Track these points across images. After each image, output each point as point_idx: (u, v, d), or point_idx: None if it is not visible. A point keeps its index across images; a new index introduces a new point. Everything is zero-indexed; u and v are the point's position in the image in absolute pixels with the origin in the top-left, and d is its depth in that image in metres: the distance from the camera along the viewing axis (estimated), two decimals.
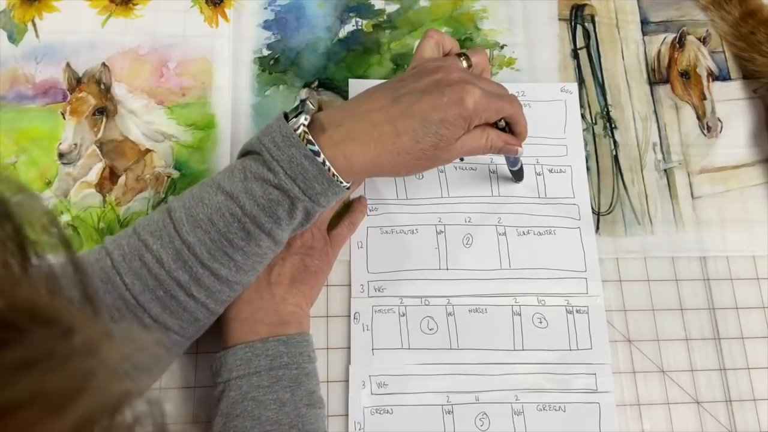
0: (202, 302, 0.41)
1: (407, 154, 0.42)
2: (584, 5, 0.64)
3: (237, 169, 0.41)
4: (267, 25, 0.60)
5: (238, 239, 0.41)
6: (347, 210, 0.53)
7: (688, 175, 0.58)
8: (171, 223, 0.40)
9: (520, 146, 0.47)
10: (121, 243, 0.41)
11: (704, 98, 0.61)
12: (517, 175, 0.55)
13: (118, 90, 0.57)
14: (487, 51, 0.48)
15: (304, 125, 0.41)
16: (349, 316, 0.51)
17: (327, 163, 0.40)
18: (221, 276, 0.41)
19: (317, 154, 0.40)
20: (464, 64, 0.46)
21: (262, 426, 0.41)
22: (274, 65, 0.59)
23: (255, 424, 0.41)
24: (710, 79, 0.62)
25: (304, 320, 0.48)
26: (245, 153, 0.43)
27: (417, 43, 0.47)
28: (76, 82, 0.56)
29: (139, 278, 0.40)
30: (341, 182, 0.41)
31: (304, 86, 0.58)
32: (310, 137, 0.40)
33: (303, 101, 0.42)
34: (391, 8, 0.62)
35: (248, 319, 0.45)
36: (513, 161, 0.52)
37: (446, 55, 0.48)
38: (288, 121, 0.41)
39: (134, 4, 0.59)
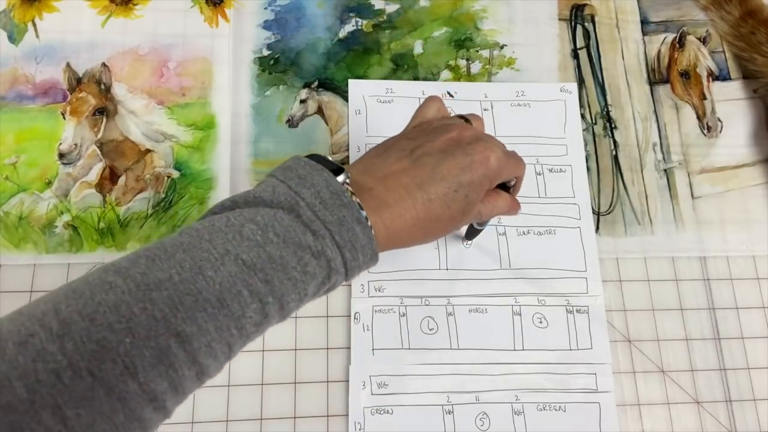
0: (171, 408, 0.29)
1: (438, 221, 0.37)
2: (584, 5, 0.64)
3: (248, 227, 0.31)
4: (267, 25, 0.60)
5: (251, 325, 0.30)
6: None
7: (688, 175, 0.58)
8: (155, 307, 0.28)
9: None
10: (40, 344, 0.26)
11: (704, 98, 0.61)
12: (474, 235, 0.52)
13: (118, 90, 0.57)
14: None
15: (348, 184, 0.34)
16: (349, 316, 0.51)
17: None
18: (209, 373, 0.30)
19: (366, 219, 0.34)
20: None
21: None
22: (274, 65, 0.59)
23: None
24: (710, 79, 0.62)
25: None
26: (243, 203, 0.33)
27: (417, 107, 0.44)
28: (76, 82, 0.56)
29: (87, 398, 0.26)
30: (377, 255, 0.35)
31: (304, 86, 0.58)
32: (359, 200, 0.34)
33: (324, 159, 0.35)
34: (391, 8, 0.62)
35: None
36: (483, 222, 0.49)
37: None
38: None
39: (134, 4, 0.60)
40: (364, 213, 0.33)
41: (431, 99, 0.44)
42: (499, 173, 0.39)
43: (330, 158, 0.36)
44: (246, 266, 0.30)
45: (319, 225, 0.32)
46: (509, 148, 0.56)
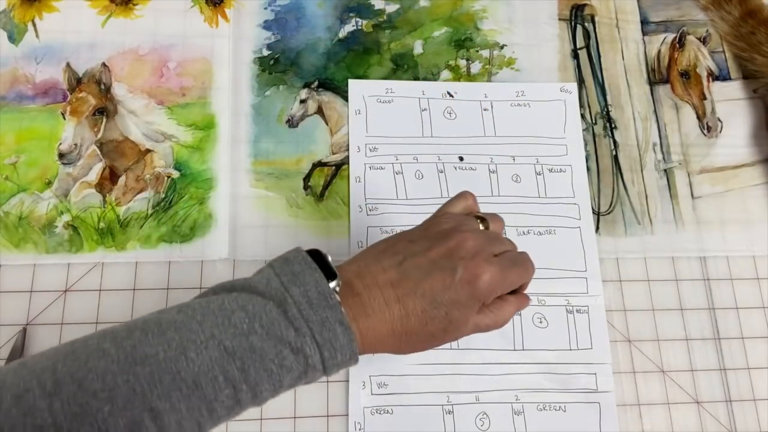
0: None
1: (414, 335, 0.37)
2: (584, 5, 0.64)
3: (237, 314, 0.33)
4: (267, 25, 0.60)
5: (222, 409, 0.32)
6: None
7: (688, 175, 0.58)
8: (136, 381, 0.30)
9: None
10: (33, 400, 0.29)
11: (704, 98, 0.61)
12: None
13: (118, 90, 0.57)
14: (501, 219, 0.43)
15: (337, 291, 0.35)
16: None
17: None
18: None
19: (348, 322, 0.34)
20: (481, 226, 0.41)
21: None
22: (274, 65, 0.59)
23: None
24: (710, 79, 0.62)
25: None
26: (240, 288, 0.35)
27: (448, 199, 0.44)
28: (76, 82, 0.56)
29: None
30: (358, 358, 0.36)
31: (304, 86, 0.58)
32: (343, 305, 0.35)
33: (322, 257, 0.36)
34: (391, 8, 0.62)
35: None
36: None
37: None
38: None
39: (134, 4, 0.60)
40: (346, 316, 0.34)
41: (462, 195, 0.43)
42: (490, 292, 0.38)
43: (329, 258, 0.36)
44: (227, 353, 0.32)
45: (302, 323, 0.33)
46: (509, 149, 0.57)
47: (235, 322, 0.33)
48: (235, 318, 0.33)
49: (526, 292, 0.43)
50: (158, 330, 0.32)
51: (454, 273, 0.37)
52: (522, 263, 0.40)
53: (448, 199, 0.44)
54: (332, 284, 0.35)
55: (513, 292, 0.41)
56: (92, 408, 0.29)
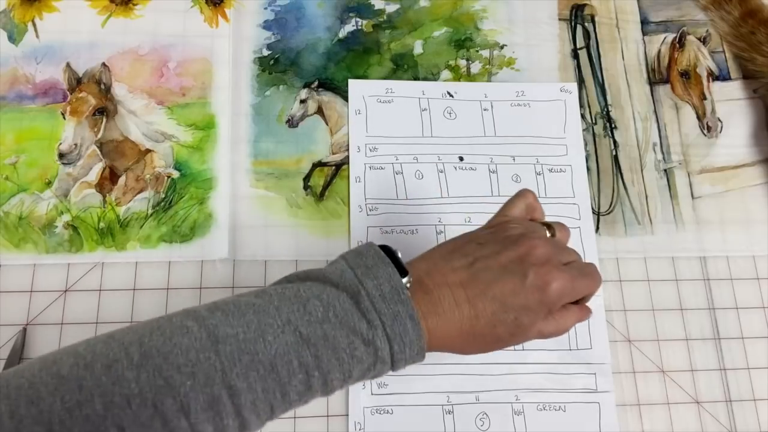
0: None
1: (481, 337, 0.37)
2: (584, 5, 0.64)
3: (312, 302, 0.34)
4: (267, 25, 0.60)
5: (294, 393, 0.33)
6: None
7: (688, 175, 0.58)
8: (217, 358, 0.31)
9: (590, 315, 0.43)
10: (121, 370, 0.30)
11: (704, 98, 0.61)
12: None
13: (118, 90, 0.57)
14: (569, 229, 0.43)
15: (408, 287, 0.36)
16: None
17: None
18: (250, 428, 0.33)
19: (418, 318, 0.35)
20: (548, 234, 0.41)
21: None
22: (274, 65, 0.59)
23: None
24: (710, 79, 0.62)
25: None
26: (314, 278, 0.36)
27: (509, 199, 0.43)
28: (76, 82, 0.56)
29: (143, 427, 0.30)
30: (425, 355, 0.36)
31: (304, 86, 0.58)
32: (414, 301, 0.35)
33: (393, 253, 0.37)
34: (391, 8, 0.62)
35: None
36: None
37: (531, 220, 0.43)
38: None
39: (134, 4, 0.60)
40: (417, 312, 0.35)
41: (521, 194, 0.43)
42: (558, 300, 0.38)
43: (399, 255, 0.37)
44: (302, 339, 0.33)
45: (374, 315, 0.34)
46: (509, 149, 0.57)
47: (310, 309, 0.34)
48: (310, 306, 0.34)
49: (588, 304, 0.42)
50: (238, 312, 0.33)
51: (524, 278, 0.37)
52: (590, 274, 0.40)
53: (507, 199, 0.43)
54: (404, 280, 0.35)
55: (576, 302, 0.41)
56: (176, 381, 0.30)
